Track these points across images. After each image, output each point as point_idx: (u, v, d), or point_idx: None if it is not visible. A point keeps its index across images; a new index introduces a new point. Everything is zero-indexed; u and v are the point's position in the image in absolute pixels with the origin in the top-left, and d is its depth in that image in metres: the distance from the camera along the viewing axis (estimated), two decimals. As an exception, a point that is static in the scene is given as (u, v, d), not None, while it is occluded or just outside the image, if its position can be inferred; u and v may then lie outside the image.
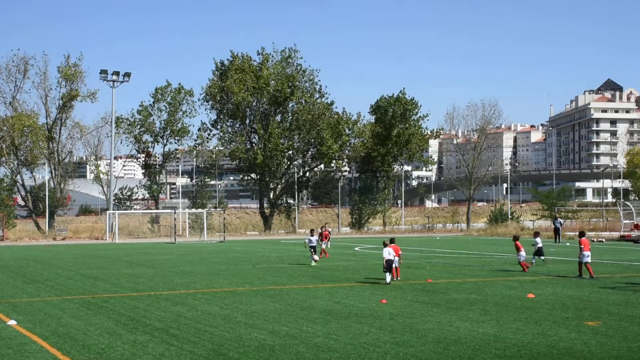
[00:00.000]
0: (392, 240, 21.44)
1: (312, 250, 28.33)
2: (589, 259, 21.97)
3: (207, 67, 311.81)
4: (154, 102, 72.83)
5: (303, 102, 71.91)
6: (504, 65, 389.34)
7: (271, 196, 75.24)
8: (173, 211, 62.83)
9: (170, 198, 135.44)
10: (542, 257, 27.38)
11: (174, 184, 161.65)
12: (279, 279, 22.71)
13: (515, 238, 25.44)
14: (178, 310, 15.48)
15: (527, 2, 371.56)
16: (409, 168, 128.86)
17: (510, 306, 15.78)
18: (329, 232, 42.11)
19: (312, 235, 29.10)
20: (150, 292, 19.34)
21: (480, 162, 78.86)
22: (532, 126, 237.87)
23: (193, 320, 14.06)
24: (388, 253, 20.35)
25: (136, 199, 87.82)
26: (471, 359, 10.43)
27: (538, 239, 27.32)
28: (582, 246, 22.14)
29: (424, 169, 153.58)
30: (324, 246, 32.88)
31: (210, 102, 72.97)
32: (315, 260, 27.97)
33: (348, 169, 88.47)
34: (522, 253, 24.49)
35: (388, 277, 20.27)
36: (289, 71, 72.73)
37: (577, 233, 26.33)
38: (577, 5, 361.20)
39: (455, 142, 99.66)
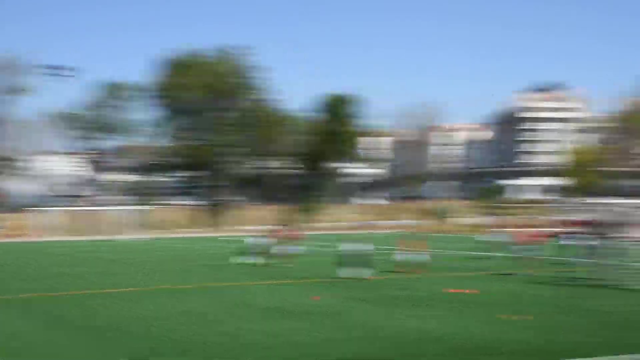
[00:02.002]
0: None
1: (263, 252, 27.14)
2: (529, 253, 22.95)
3: (153, 63, 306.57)
4: (103, 98, 71.72)
5: (251, 99, 71.88)
6: (446, 60, 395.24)
7: (219, 193, 74.96)
8: (116, 208, 61.91)
9: (116, 195, 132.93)
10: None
11: (121, 180, 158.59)
12: (217, 275, 22.85)
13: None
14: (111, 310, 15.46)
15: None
16: (354, 165, 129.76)
17: (440, 301, 16.35)
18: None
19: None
20: (75, 291, 19.15)
21: (424, 160, 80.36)
22: (475, 124, 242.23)
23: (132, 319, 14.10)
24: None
25: (80, 196, 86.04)
26: (408, 354, 10.86)
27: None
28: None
29: (369, 166, 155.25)
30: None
31: (160, 98, 72.20)
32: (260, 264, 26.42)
33: (294, 167, 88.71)
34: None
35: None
36: (238, 68, 72.45)
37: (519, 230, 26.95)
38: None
39: (400, 139, 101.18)
